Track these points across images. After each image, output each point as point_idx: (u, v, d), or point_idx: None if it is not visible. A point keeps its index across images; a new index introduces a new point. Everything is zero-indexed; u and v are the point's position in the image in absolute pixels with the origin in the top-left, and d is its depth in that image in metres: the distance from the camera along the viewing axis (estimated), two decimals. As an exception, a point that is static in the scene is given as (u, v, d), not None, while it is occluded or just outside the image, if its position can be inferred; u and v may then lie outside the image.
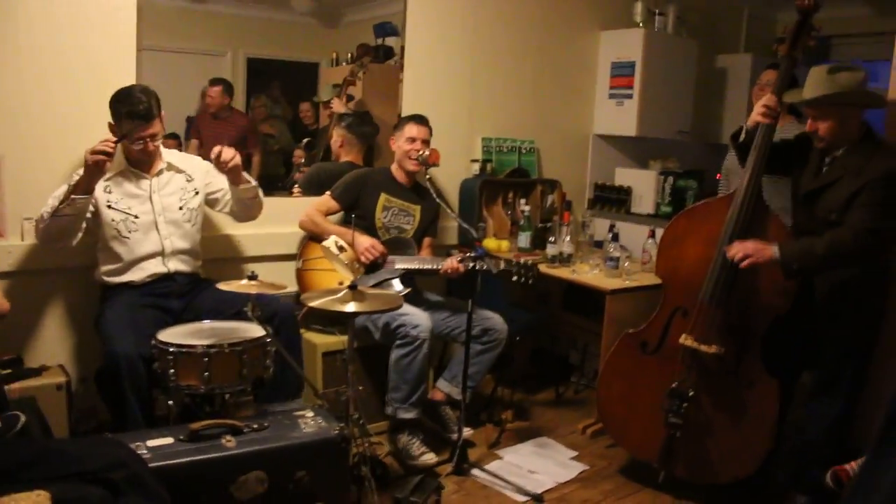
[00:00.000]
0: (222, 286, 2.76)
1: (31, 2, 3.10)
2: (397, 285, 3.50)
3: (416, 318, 3.35)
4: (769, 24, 5.96)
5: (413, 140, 3.70)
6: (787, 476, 3.17)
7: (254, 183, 3.29)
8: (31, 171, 3.19)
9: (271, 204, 3.77)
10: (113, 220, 3.09)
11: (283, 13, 3.96)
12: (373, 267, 3.53)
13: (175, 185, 3.24)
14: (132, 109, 2.97)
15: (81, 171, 2.91)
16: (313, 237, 3.66)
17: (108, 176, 3.07)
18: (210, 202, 3.39)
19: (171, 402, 2.90)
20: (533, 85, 4.75)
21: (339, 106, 4.20)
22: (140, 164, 3.17)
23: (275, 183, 4.08)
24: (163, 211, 3.18)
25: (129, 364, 2.73)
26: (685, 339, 3.10)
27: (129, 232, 3.11)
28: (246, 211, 3.38)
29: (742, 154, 3.11)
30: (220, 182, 3.34)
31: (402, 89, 4.25)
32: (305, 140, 4.21)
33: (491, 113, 4.58)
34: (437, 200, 3.41)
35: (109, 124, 3.05)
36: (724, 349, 3.04)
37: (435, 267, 3.50)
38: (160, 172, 3.22)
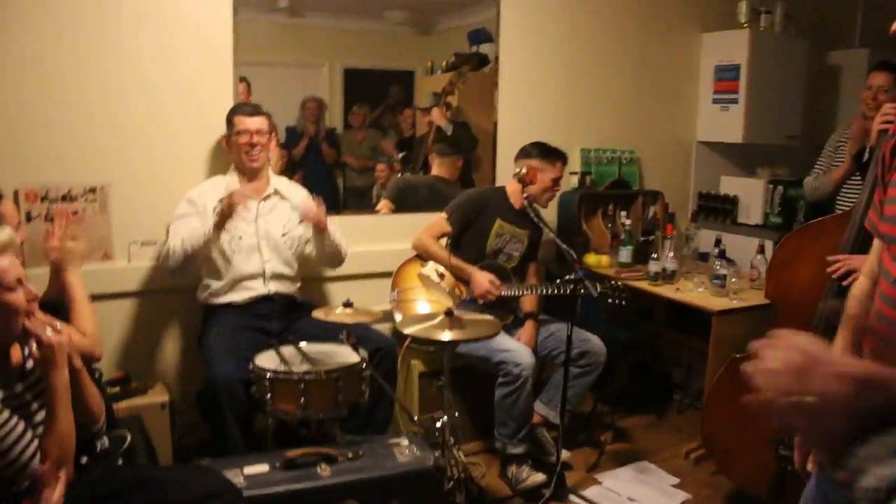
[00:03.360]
0: (317, 314, 2.76)
1: (131, 32, 3.20)
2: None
3: (518, 354, 3.26)
4: (888, 13, 5.55)
5: (556, 181, 3.59)
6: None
7: (340, 245, 3.33)
8: (137, 196, 3.30)
9: (358, 223, 3.82)
10: (219, 238, 3.16)
11: (378, 23, 3.96)
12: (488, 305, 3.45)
13: (280, 211, 3.31)
14: (241, 108, 3.23)
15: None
16: (405, 267, 3.62)
17: (220, 196, 3.15)
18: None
19: (269, 420, 2.96)
20: (633, 92, 4.60)
21: (439, 117, 4.15)
22: (250, 177, 3.25)
23: (364, 195, 4.10)
24: (266, 235, 3.24)
25: (229, 388, 2.78)
26: (797, 367, 2.91)
27: (233, 252, 3.18)
28: (327, 260, 3.42)
29: (864, 173, 2.91)
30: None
31: (497, 98, 4.18)
32: (402, 154, 4.19)
33: (589, 122, 4.46)
34: (539, 224, 3.35)
35: (226, 137, 3.23)
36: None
37: (544, 292, 3.46)
38: (267, 197, 3.29)
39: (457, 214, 3.59)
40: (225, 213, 3.04)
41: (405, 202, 4.05)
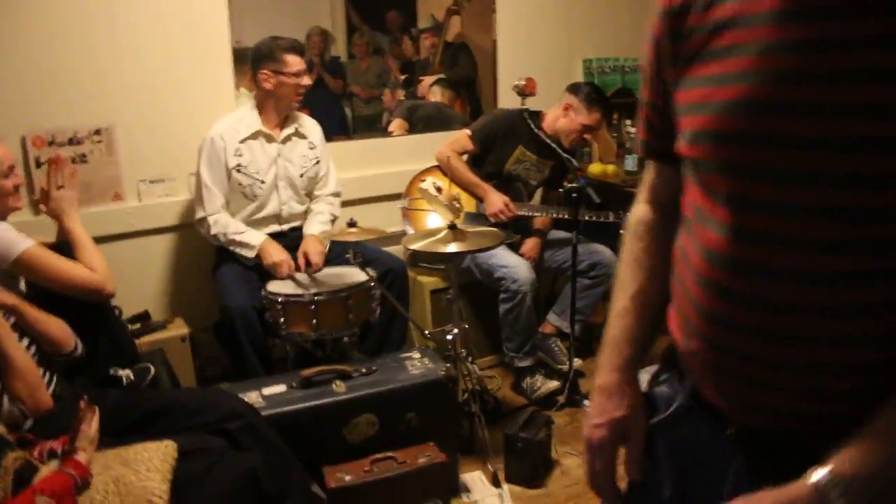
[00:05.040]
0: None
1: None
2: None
3: (517, 271, 3.29)
4: None
5: (589, 129, 3.49)
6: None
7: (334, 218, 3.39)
8: (143, 135, 3.32)
9: (369, 147, 3.83)
10: (241, 184, 3.17)
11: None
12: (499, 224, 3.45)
13: (299, 151, 3.29)
14: (294, 44, 3.11)
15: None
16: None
17: (241, 137, 3.14)
18: None
19: (288, 348, 3.04)
20: (633, -4, 4.50)
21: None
22: (279, 116, 3.22)
23: (373, 124, 4.11)
24: (285, 176, 3.25)
25: (243, 316, 2.85)
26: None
27: (255, 196, 3.20)
28: None
29: None
30: (324, 167, 3.42)
31: (495, 16, 4.11)
32: (403, 77, 4.16)
33: (590, 32, 4.38)
34: (551, 145, 3.39)
35: (261, 72, 3.11)
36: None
37: (555, 215, 3.50)
38: (288, 139, 3.26)
39: (480, 134, 3.58)
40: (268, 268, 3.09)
41: (416, 120, 4.05)
